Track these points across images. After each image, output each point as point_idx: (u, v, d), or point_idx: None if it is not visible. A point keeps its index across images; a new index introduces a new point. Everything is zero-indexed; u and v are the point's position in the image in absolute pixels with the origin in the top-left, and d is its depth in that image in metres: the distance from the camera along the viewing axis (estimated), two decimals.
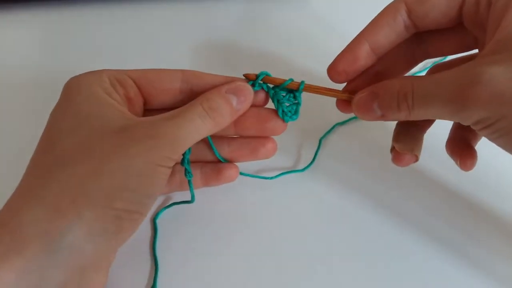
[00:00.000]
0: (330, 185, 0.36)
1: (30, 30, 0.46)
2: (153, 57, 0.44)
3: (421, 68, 0.43)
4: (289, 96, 0.32)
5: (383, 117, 0.29)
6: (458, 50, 0.32)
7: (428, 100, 0.26)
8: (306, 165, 0.37)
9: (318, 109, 0.39)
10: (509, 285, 0.31)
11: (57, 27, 0.46)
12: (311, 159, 0.37)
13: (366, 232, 0.33)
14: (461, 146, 0.32)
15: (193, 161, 0.32)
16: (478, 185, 0.36)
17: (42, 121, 0.27)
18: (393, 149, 0.32)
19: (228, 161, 0.33)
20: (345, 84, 0.33)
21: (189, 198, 0.33)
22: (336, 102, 0.32)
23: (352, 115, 0.36)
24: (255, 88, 0.31)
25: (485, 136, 0.27)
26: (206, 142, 0.33)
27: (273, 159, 0.34)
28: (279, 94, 0.31)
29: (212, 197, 0.34)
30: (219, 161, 0.33)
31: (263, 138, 0.33)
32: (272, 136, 0.33)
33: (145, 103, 0.30)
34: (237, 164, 0.33)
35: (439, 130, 0.33)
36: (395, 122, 0.33)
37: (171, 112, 0.27)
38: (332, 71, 0.31)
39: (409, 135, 0.32)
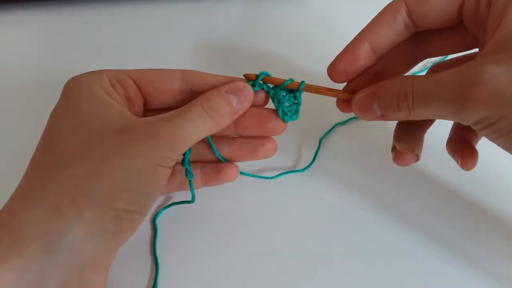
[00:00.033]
0: (330, 185, 0.36)
1: (30, 30, 0.46)
2: (153, 57, 0.44)
3: (421, 68, 0.43)
4: (289, 96, 0.32)
5: (383, 117, 0.29)
6: (458, 50, 0.32)
7: (428, 100, 0.26)
8: (306, 165, 0.37)
9: (318, 109, 0.39)
10: (509, 285, 0.31)
11: (57, 27, 0.46)
12: (311, 159, 0.37)
13: (366, 232, 0.33)
14: (462, 146, 0.32)
15: (193, 161, 0.32)
16: (478, 185, 0.36)
17: (42, 121, 0.27)
18: (394, 148, 0.32)
19: (228, 161, 0.33)
20: (345, 84, 0.33)
21: (189, 198, 0.33)
22: (336, 102, 0.32)
23: (352, 115, 0.36)
24: (255, 88, 0.31)
25: (485, 136, 0.27)
26: (206, 142, 0.33)
27: (273, 159, 0.34)
28: (279, 94, 0.31)
29: (212, 197, 0.34)
30: (219, 161, 0.33)
31: (263, 138, 0.33)
32: (272, 136, 0.33)
33: (145, 103, 0.30)
34: (237, 164, 0.33)
35: (440, 130, 0.33)
36: (395, 122, 0.33)
37: (171, 112, 0.27)
38: (332, 71, 0.31)
39: (409, 135, 0.32)
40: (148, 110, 0.31)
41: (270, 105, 0.32)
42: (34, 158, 0.26)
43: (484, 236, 0.33)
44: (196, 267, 0.31)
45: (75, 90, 0.28)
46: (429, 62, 0.43)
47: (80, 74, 0.29)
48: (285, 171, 0.36)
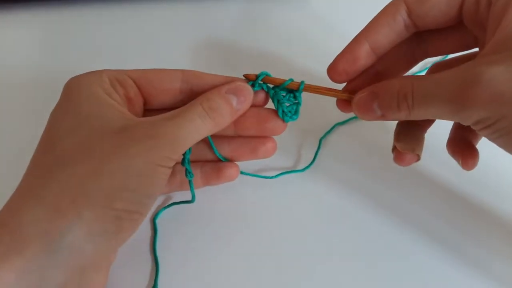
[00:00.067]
0: (330, 185, 0.36)
1: (30, 30, 0.46)
2: (153, 57, 0.44)
3: (421, 68, 0.43)
4: (289, 96, 0.32)
5: (383, 117, 0.29)
6: (458, 49, 0.32)
7: (428, 100, 0.26)
8: (306, 165, 0.37)
9: (318, 109, 0.39)
10: (509, 285, 0.31)
11: (57, 27, 0.46)
12: (311, 159, 0.37)
13: (366, 232, 0.33)
14: (462, 146, 0.32)
15: (193, 160, 0.32)
16: (478, 185, 0.36)
17: (42, 121, 0.27)
18: (394, 148, 0.32)
19: (229, 160, 0.33)
20: (345, 84, 0.33)
21: (189, 198, 0.33)
22: (336, 102, 0.32)
23: (352, 115, 0.36)
24: (255, 88, 0.31)
25: (485, 136, 0.27)
26: (206, 141, 0.33)
27: (273, 159, 0.34)
28: (279, 94, 0.31)
29: (212, 197, 0.34)
30: (219, 160, 0.33)
31: (263, 137, 0.33)
32: (272, 136, 0.33)
33: (145, 103, 0.30)
34: (238, 164, 0.33)
35: (440, 130, 0.33)
36: (395, 122, 0.33)
37: (171, 112, 0.27)
38: (332, 71, 0.31)
39: (410, 135, 0.32)
40: (148, 110, 0.31)
41: (270, 105, 0.32)
42: (34, 158, 0.26)
43: (484, 236, 0.33)
44: (196, 267, 0.31)
45: (75, 90, 0.28)
46: (429, 62, 0.43)
47: (80, 74, 0.29)
48: (285, 171, 0.36)
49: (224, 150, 0.33)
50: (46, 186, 0.24)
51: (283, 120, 0.32)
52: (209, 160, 0.33)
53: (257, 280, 0.31)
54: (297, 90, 0.31)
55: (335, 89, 0.31)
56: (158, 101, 0.30)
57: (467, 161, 0.32)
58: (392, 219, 0.34)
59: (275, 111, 0.32)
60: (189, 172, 0.31)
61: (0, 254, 0.22)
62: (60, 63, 0.43)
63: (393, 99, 0.27)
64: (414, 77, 0.27)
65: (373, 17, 0.30)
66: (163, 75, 0.30)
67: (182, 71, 0.30)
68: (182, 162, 0.31)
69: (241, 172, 0.34)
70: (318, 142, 0.38)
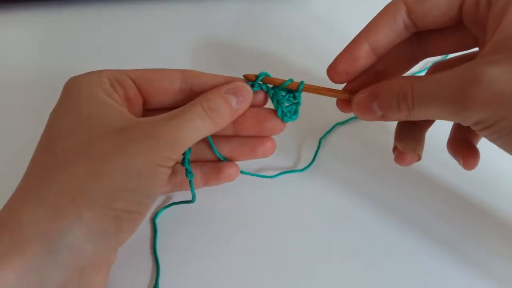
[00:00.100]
0: (330, 185, 0.36)
1: (30, 30, 0.46)
2: (153, 57, 0.44)
3: (421, 68, 0.43)
4: (289, 96, 0.32)
5: (383, 117, 0.29)
6: (458, 49, 0.32)
7: (428, 101, 0.26)
8: (306, 165, 0.37)
9: (318, 109, 0.39)
10: (509, 285, 0.31)
11: (57, 27, 0.46)
12: (311, 159, 0.37)
13: (366, 232, 0.33)
14: (463, 146, 0.32)
15: (193, 160, 0.32)
16: (478, 185, 0.36)
17: (42, 121, 0.27)
18: (395, 148, 0.32)
19: (228, 160, 0.33)
20: (345, 84, 0.33)
21: (189, 198, 0.33)
22: (336, 102, 0.32)
23: (352, 115, 0.36)
24: (255, 88, 0.31)
25: (485, 136, 0.27)
26: (205, 141, 0.33)
27: (273, 159, 0.34)
28: (279, 94, 0.31)
29: (212, 197, 0.34)
30: (219, 160, 0.33)
31: (262, 137, 0.33)
32: (271, 135, 0.33)
33: (144, 103, 0.30)
34: (237, 163, 0.33)
35: (440, 130, 0.33)
36: (395, 122, 0.33)
37: (171, 112, 0.28)
38: (332, 71, 0.31)
39: (410, 134, 0.32)
40: (148, 110, 0.31)
41: (270, 104, 0.32)
42: (34, 158, 0.26)
43: (484, 236, 0.33)
44: (196, 267, 0.31)
45: (75, 90, 0.28)
46: (429, 62, 0.43)
47: (80, 74, 0.29)
48: (285, 170, 0.36)
49: (224, 149, 0.33)
50: (46, 186, 0.24)
51: (282, 120, 0.32)
52: (209, 160, 0.33)
53: (257, 280, 0.31)
54: (297, 90, 0.31)
55: (335, 89, 0.31)
56: (158, 101, 0.30)
57: (468, 160, 0.32)
58: (392, 219, 0.34)
59: (275, 111, 0.32)
60: (190, 172, 0.31)
61: (0, 254, 0.22)
62: (60, 63, 0.43)
63: (393, 99, 0.27)
64: (414, 77, 0.27)
65: (373, 17, 0.30)
66: (162, 75, 0.30)
67: (182, 71, 0.30)
68: (182, 162, 0.31)
69: (241, 172, 0.34)
70: (318, 142, 0.38)
